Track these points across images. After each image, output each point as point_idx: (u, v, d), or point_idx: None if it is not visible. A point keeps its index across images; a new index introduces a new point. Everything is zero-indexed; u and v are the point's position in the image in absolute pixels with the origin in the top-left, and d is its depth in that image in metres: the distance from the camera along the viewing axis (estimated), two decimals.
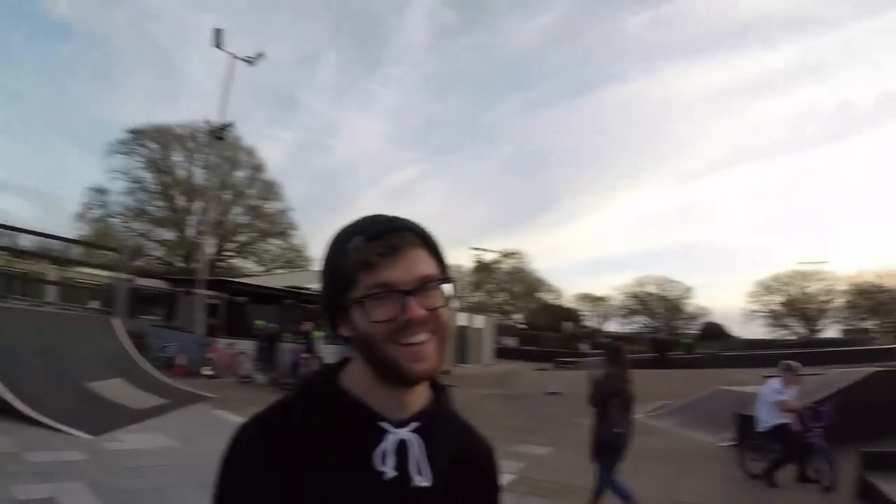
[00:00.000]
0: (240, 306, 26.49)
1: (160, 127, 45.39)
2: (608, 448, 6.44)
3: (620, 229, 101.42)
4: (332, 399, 1.06)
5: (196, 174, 46.09)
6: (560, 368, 31.77)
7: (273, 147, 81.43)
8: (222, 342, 19.31)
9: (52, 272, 17.42)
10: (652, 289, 70.60)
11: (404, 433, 1.02)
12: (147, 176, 45.58)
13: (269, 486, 0.99)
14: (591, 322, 73.88)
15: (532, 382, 23.79)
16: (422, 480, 1.01)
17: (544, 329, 63.79)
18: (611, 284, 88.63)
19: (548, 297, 74.26)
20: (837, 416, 8.30)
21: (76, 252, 20.91)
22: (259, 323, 20.83)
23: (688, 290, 69.00)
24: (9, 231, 15.87)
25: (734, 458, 9.25)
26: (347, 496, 0.98)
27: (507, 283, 72.57)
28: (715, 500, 7.59)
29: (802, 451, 8.05)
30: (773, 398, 8.26)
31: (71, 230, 42.03)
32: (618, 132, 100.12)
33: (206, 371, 17.69)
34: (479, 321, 37.83)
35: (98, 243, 33.80)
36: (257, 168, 49.12)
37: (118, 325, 14.64)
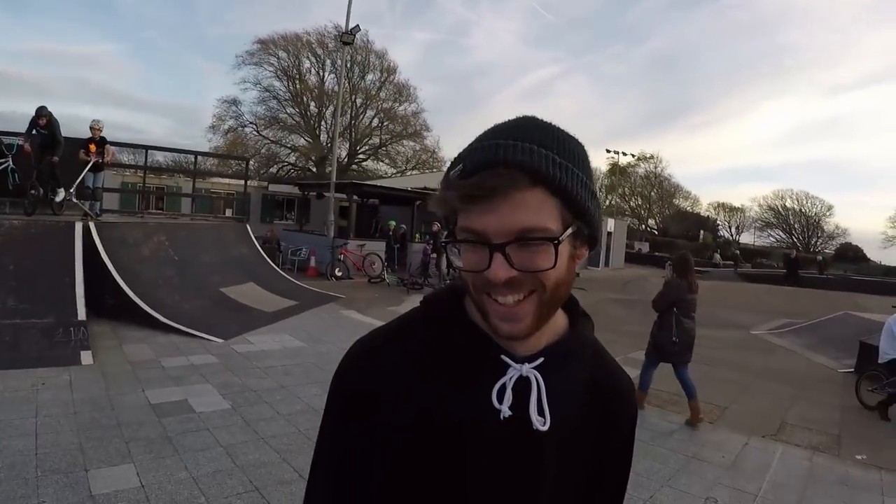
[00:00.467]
0: (371, 208, 26.94)
1: (288, 35, 45.74)
2: (661, 352, 6.86)
3: (762, 139, 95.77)
4: (454, 326, 0.96)
5: (327, 80, 46.58)
6: None
7: (405, 49, 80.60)
8: (352, 244, 19.68)
9: (186, 185, 18.16)
10: (790, 203, 66.50)
11: (526, 369, 0.91)
12: (278, 84, 46.23)
13: (377, 409, 0.92)
14: (725, 232, 70.92)
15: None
16: (540, 423, 0.90)
17: (677, 236, 61.84)
18: (749, 195, 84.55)
19: (683, 204, 71.56)
20: None
21: (210, 164, 21.84)
22: (390, 223, 21.08)
23: (828, 208, 64.57)
24: (142, 149, 16.52)
25: (853, 386, 8.75)
26: (457, 432, 0.90)
27: (641, 188, 70.26)
28: (823, 426, 7.16)
29: None
30: None
31: (205, 143, 44.05)
32: (765, 35, 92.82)
33: (337, 272, 18.10)
34: (610, 225, 36.99)
35: (228, 154, 35.25)
36: (389, 70, 48.51)
37: (250, 231, 15.16)
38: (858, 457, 6.15)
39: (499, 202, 0.80)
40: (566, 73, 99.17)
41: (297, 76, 46.11)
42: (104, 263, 9.19)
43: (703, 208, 71.93)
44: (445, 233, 0.91)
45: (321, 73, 46.47)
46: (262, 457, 4.89)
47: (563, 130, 0.89)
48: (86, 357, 7.03)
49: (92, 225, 9.52)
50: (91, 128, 11.79)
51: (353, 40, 24.05)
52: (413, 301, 14.57)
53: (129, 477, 4.32)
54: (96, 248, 9.26)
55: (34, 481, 4.12)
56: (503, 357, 0.91)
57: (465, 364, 0.92)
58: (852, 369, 10.34)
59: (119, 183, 20.03)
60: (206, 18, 73.98)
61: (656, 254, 49.30)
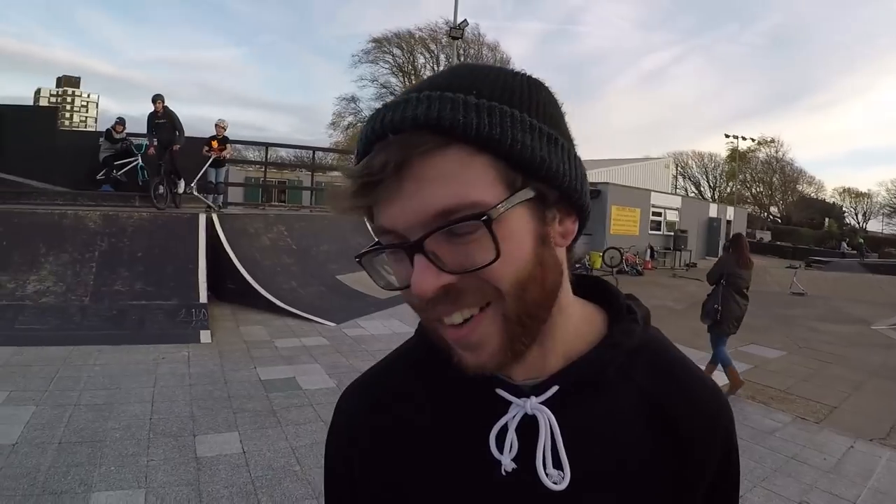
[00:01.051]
0: None
1: (401, 32, 46.75)
2: (710, 318, 6.93)
3: (889, 117, 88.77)
4: (444, 354, 0.68)
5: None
6: (810, 267, 29.00)
7: (518, 40, 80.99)
8: None
9: (308, 179, 18.80)
10: None
11: (532, 405, 0.66)
12: (394, 80, 47.36)
13: (366, 467, 0.75)
14: (851, 219, 66.49)
15: (778, 280, 21.82)
16: (554, 480, 0.64)
17: (800, 224, 58.79)
18: (876, 179, 78.95)
19: (807, 190, 67.78)
20: None
21: (330, 158, 22.52)
22: None
23: None
24: (263, 145, 17.29)
25: None
26: (450, 494, 0.69)
27: (762, 174, 67.03)
28: None
29: None
30: None
31: (326, 138, 45.62)
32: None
33: None
34: (729, 213, 35.60)
35: (342, 149, 36.50)
36: (502, 63, 48.73)
37: (368, 222, 15.51)
38: None
39: (398, 182, 0.57)
40: (681, 57, 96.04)
41: (413, 71, 47.04)
42: (226, 251, 9.68)
43: (828, 194, 68.46)
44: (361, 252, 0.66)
45: (435, 68, 47.17)
46: None
47: (497, 67, 0.65)
48: (204, 336, 7.42)
49: (215, 216, 10.06)
50: (216, 125, 12.49)
51: (462, 34, 24.21)
52: None
53: (233, 443, 4.50)
54: (219, 237, 9.78)
55: (146, 442, 4.39)
56: (499, 392, 0.69)
57: (458, 404, 0.72)
58: None
59: (243, 178, 21.14)
60: (322, 20, 77.21)
61: (778, 243, 47.03)
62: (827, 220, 59.35)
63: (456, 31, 23.03)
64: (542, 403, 0.66)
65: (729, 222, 35.00)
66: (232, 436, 4.65)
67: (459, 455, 0.69)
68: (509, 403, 0.67)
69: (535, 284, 0.61)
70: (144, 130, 12.39)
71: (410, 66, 46.95)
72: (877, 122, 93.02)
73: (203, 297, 8.23)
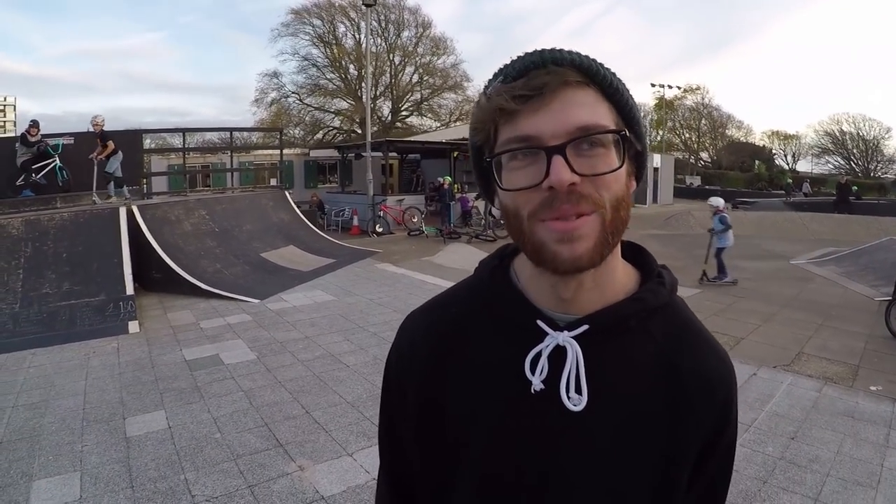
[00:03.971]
0: (412, 164, 27.33)
1: (320, 2, 45.62)
2: None
3: (816, 57, 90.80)
4: (495, 289, 0.88)
5: (363, 42, 46.59)
6: (737, 208, 29.19)
7: (440, 2, 79.65)
8: (391, 199, 20.15)
9: (230, 160, 18.79)
10: (847, 127, 61.17)
11: (563, 337, 0.79)
12: (316, 52, 46.33)
13: (422, 381, 0.89)
14: (781, 161, 66.73)
15: (702, 222, 22.16)
16: (574, 402, 0.78)
17: (730, 168, 59.23)
18: (805, 122, 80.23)
19: (736, 135, 67.87)
20: None
21: (256, 137, 22.48)
22: (446, 178, 21.40)
23: (886, 130, 59.24)
24: (179, 132, 17.21)
25: (884, 314, 8.17)
26: (489, 403, 0.83)
27: (691, 120, 67.32)
28: (842, 356, 6.91)
29: None
30: None
31: (251, 117, 44.83)
32: None
33: (378, 229, 18.66)
34: (656, 160, 36.02)
35: (260, 126, 35.91)
36: (424, 25, 48.07)
37: (289, 197, 15.75)
38: (873, 388, 5.91)
39: (551, 99, 0.72)
40: (608, 10, 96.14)
41: (334, 41, 46.17)
42: (149, 241, 9.90)
43: (757, 138, 68.50)
44: (486, 157, 0.80)
45: (357, 37, 46.50)
46: (276, 398, 5.45)
47: None
48: (133, 326, 7.72)
49: (135, 208, 10.21)
50: (91, 123, 12.60)
51: (375, 1, 24.04)
52: (449, 250, 15.04)
53: (159, 421, 4.94)
54: (141, 228, 9.96)
55: (79, 430, 4.78)
56: (539, 323, 0.81)
57: (504, 331, 0.85)
58: (889, 297, 9.09)
59: (166, 166, 21.00)
60: None
61: (707, 187, 47.20)
62: (756, 162, 59.71)
63: None
64: (573, 338, 0.78)
65: (656, 169, 35.33)
66: (159, 414, 5.07)
67: (499, 373, 0.82)
68: (546, 334, 0.80)
69: (625, 207, 0.76)
70: (66, 130, 12.41)
71: (331, 36, 45.99)
72: (804, 65, 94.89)
73: (130, 289, 8.45)
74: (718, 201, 11.80)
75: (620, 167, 0.74)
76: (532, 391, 0.79)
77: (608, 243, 0.75)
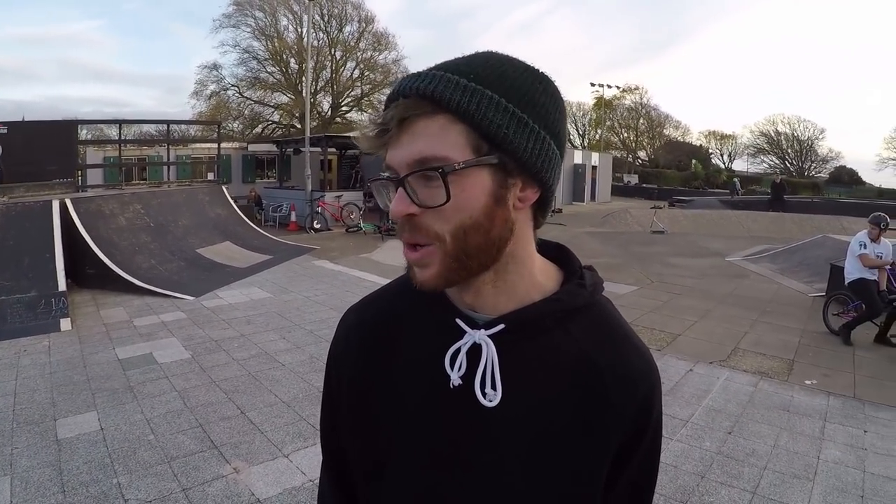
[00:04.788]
0: (351, 159, 27.16)
1: None
2: None
3: (753, 59, 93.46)
4: (419, 290, 0.87)
5: (305, 35, 45.82)
6: (673, 206, 29.82)
7: None
8: (329, 195, 20.00)
9: (167, 153, 18.38)
10: (782, 127, 62.97)
11: (480, 336, 0.82)
12: (257, 45, 45.34)
13: (354, 374, 0.94)
14: (717, 160, 68.23)
15: (639, 220, 22.87)
16: (489, 398, 0.80)
17: (667, 166, 59.96)
18: (741, 122, 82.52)
19: (673, 134, 68.90)
20: None
21: (195, 130, 22.05)
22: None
23: (820, 131, 61.60)
24: (115, 123, 16.80)
25: (820, 310, 8.49)
26: (413, 396, 0.87)
27: (629, 119, 67.94)
28: (778, 351, 7.12)
29: (881, 311, 7.40)
30: (855, 251, 7.55)
31: (189, 109, 43.76)
32: None
33: (315, 225, 18.47)
34: (594, 158, 36.35)
35: (198, 119, 35.02)
36: (366, 20, 47.46)
37: (226, 192, 15.52)
38: (808, 382, 6.11)
39: (398, 132, 0.76)
40: (552, 10, 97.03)
41: (276, 34, 45.43)
42: (82, 236, 9.65)
43: (695, 137, 69.86)
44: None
45: (299, 30, 45.81)
46: (210, 398, 5.45)
47: (510, 61, 0.81)
48: (65, 324, 7.56)
49: (69, 201, 9.93)
50: None
51: None
52: (387, 247, 15.07)
53: (91, 422, 4.89)
54: (74, 222, 9.70)
55: (9, 433, 4.69)
56: (458, 321, 0.84)
57: (428, 327, 0.88)
58: (823, 293, 9.83)
59: (101, 158, 20.40)
60: None
61: (644, 185, 48.19)
62: (693, 161, 60.41)
63: None
64: (489, 337, 0.81)
65: (594, 168, 35.48)
66: (91, 415, 5.02)
67: (424, 368, 0.85)
68: (464, 332, 0.83)
69: (479, 232, 0.77)
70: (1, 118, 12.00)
71: (273, 30, 45.17)
72: (741, 67, 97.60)
73: (62, 285, 8.24)
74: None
75: (446, 201, 0.74)
76: (451, 386, 0.81)
77: (459, 268, 0.79)
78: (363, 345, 0.93)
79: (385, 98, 0.82)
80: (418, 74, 0.77)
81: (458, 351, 0.82)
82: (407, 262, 0.83)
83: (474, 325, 0.83)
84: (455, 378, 0.81)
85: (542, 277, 0.88)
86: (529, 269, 0.86)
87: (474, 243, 0.77)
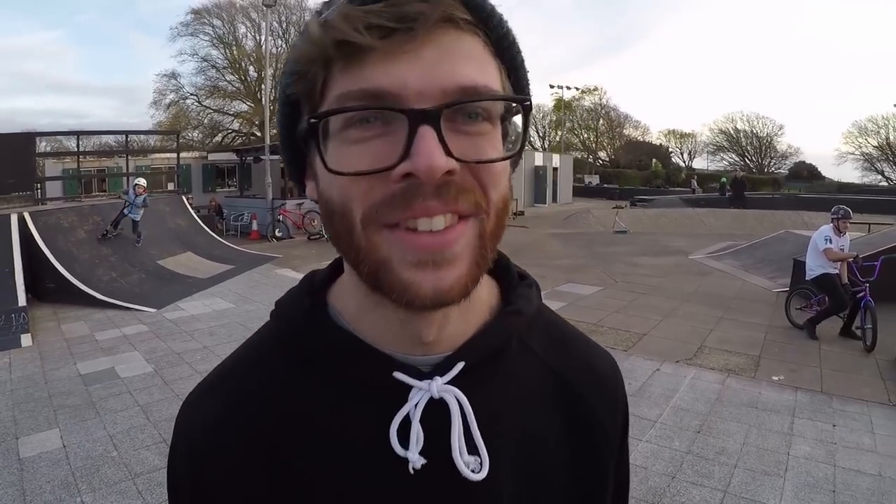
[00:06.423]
0: None
1: (221, 2, 44.13)
2: None
3: (711, 58, 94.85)
4: (319, 339, 0.59)
5: (263, 43, 45.41)
6: (635, 206, 29.65)
7: None
8: (291, 203, 19.85)
9: (126, 164, 18.07)
10: (741, 125, 63.40)
11: (438, 387, 0.55)
12: (215, 53, 44.65)
13: (233, 480, 0.58)
14: (678, 159, 68.68)
15: (601, 220, 22.65)
16: (473, 468, 0.55)
17: (628, 166, 60.05)
18: (701, 121, 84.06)
19: (633, 134, 69.22)
20: (887, 273, 7.36)
21: (154, 140, 21.70)
22: None
23: (779, 127, 62.16)
24: (73, 135, 16.47)
25: (784, 306, 8.40)
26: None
27: (588, 120, 68.06)
28: (744, 348, 7.06)
29: (847, 304, 7.33)
30: (820, 245, 7.39)
31: (148, 119, 43.02)
32: None
33: (277, 233, 18.30)
34: (555, 160, 36.24)
35: (157, 130, 34.46)
36: None
37: (186, 202, 15.32)
38: (775, 378, 6.05)
39: (425, 40, 0.46)
40: (510, 11, 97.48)
41: (234, 42, 44.91)
42: (41, 250, 9.43)
43: (654, 137, 70.13)
44: (306, 117, 0.51)
45: (257, 37, 45.38)
46: (173, 412, 5.31)
47: None
48: (25, 340, 7.37)
49: (27, 214, 9.71)
50: None
51: (275, 1, 23.64)
52: None
53: (53, 440, 4.80)
54: (33, 236, 9.49)
55: None
56: (397, 376, 0.55)
57: (347, 396, 0.58)
58: (786, 289, 9.51)
59: (60, 170, 19.97)
60: None
61: (605, 186, 48.25)
62: (654, 160, 60.65)
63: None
64: (449, 383, 0.56)
65: (555, 169, 35.35)
66: (52, 433, 4.92)
67: (356, 459, 0.56)
68: (410, 388, 0.55)
69: (507, 208, 0.54)
70: None
71: (231, 38, 44.55)
72: (699, 65, 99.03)
73: (22, 300, 8.07)
74: None
75: (518, 152, 0.54)
76: (411, 471, 0.54)
77: (482, 264, 0.53)
78: (237, 452, 0.58)
79: None
80: None
81: (406, 419, 0.55)
82: (396, 256, 0.49)
83: (417, 373, 0.57)
84: (414, 458, 0.54)
85: (483, 286, 0.60)
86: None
87: (502, 226, 0.54)
